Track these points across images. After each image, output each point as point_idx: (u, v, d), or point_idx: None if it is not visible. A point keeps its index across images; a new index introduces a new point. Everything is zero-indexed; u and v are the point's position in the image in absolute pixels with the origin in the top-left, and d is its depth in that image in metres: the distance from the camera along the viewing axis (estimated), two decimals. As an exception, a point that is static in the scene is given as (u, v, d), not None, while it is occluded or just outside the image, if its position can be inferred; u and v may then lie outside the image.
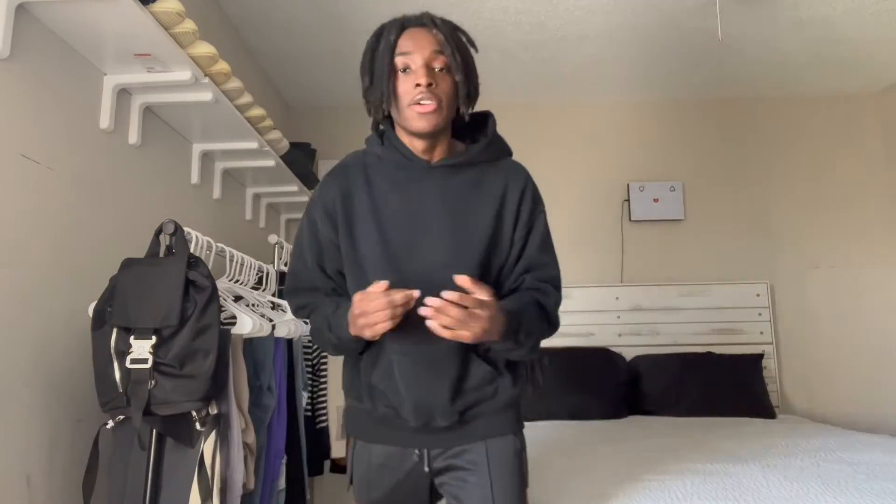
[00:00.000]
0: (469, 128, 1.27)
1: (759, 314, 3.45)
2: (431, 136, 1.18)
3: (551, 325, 1.24)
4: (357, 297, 1.08)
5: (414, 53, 1.13)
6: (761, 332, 3.43)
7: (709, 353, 3.26)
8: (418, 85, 1.12)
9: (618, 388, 3.12)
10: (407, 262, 1.17)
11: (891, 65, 3.34)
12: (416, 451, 1.23)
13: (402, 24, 1.16)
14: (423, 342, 1.14)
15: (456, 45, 1.14)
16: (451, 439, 1.22)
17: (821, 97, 3.72)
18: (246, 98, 2.12)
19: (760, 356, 3.26)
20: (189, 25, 1.68)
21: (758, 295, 3.47)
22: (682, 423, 2.79)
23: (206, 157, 2.44)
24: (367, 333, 1.07)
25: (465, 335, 1.02)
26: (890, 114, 3.60)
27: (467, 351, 1.18)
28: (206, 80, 1.86)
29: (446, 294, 1.00)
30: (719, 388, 3.06)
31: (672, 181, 3.64)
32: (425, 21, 1.16)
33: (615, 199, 3.66)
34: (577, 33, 2.97)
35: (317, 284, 1.28)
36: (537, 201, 1.27)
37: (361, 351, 1.23)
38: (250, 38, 2.97)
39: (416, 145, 1.20)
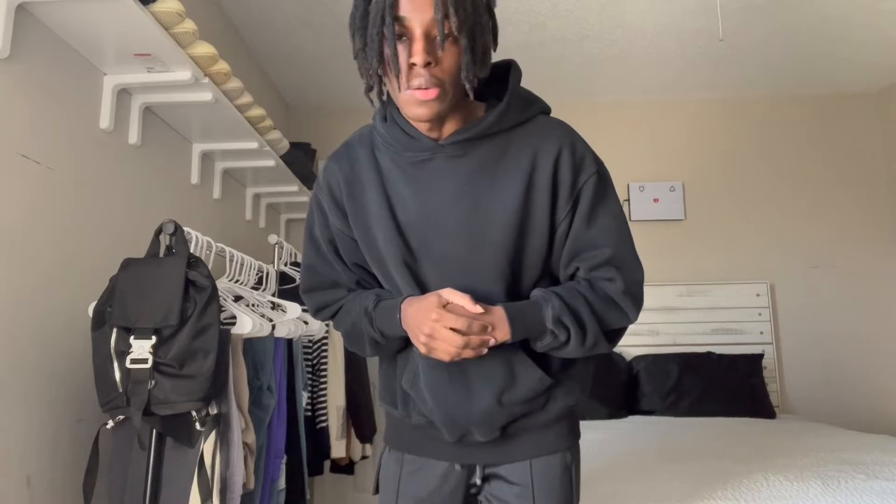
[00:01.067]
0: (495, 81, 1.03)
1: (759, 314, 3.45)
2: (436, 121, 0.96)
3: (617, 310, 1.00)
4: (434, 306, 0.93)
5: (411, 19, 0.88)
6: (761, 332, 3.43)
7: (709, 353, 3.26)
8: (414, 64, 0.88)
9: (618, 388, 3.12)
10: (424, 262, 1.01)
11: (891, 65, 3.34)
12: (458, 466, 1.08)
13: None
14: None
15: (456, 3, 0.88)
16: (492, 455, 1.07)
17: (821, 97, 3.72)
18: (246, 98, 2.12)
19: (760, 356, 3.26)
20: (189, 25, 1.68)
21: (758, 295, 3.47)
22: (682, 423, 2.79)
23: (206, 157, 2.44)
24: (423, 349, 0.95)
25: (470, 354, 0.93)
26: (890, 114, 3.60)
27: (515, 353, 1.01)
28: (206, 80, 1.86)
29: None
30: (719, 388, 3.06)
31: (672, 181, 3.64)
32: None
33: (615, 199, 3.65)
34: (577, 33, 2.97)
35: (337, 279, 1.12)
36: (581, 164, 1.00)
37: (398, 350, 1.10)
38: (250, 38, 2.97)
39: (421, 125, 0.98)
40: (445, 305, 0.93)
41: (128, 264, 1.44)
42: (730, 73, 3.41)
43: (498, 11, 2.74)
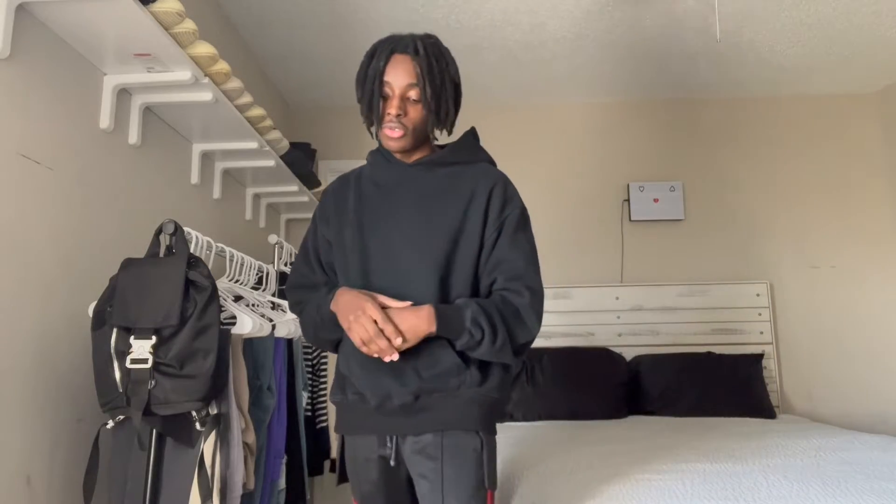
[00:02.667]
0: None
1: (759, 314, 3.45)
2: (404, 153, 1.36)
3: (522, 323, 1.25)
4: (367, 298, 1.22)
5: (393, 83, 1.27)
6: (761, 332, 3.43)
7: (709, 353, 3.26)
8: (389, 113, 1.27)
9: (618, 388, 3.12)
10: (377, 248, 1.30)
11: (891, 65, 3.34)
12: (388, 443, 1.29)
13: (391, 50, 1.28)
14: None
15: (430, 79, 1.26)
16: (408, 425, 1.27)
17: (821, 97, 3.72)
18: (246, 98, 2.12)
19: (760, 356, 3.26)
20: (189, 25, 1.68)
21: (758, 295, 3.47)
22: (682, 423, 2.79)
23: (206, 157, 2.44)
24: (344, 326, 1.23)
25: (384, 346, 1.18)
26: (890, 114, 3.60)
27: (439, 341, 1.24)
28: (206, 80, 1.86)
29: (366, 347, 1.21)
30: (719, 388, 3.06)
31: (672, 181, 3.64)
32: (409, 49, 1.27)
33: (615, 199, 3.66)
34: (577, 33, 2.97)
35: (315, 281, 1.41)
36: (508, 201, 1.33)
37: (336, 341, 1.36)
38: (250, 38, 2.97)
39: (397, 154, 1.37)
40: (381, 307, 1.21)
41: (128, 264, 1.44)
42: (729, 72, 3.41)
43: (498, 11, 2.76)
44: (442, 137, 1.46)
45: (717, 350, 3.34)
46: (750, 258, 3.57)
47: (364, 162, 1.49)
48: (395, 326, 1.18)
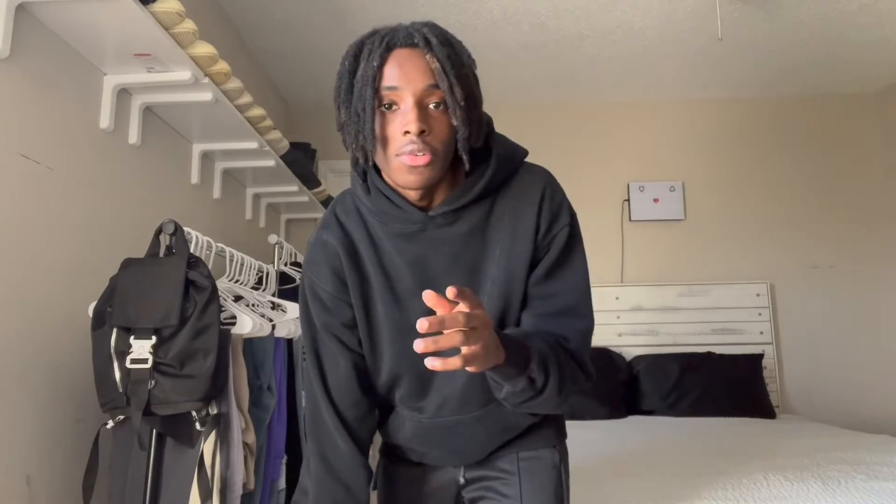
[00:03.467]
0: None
1: (759, 314, 3.45)
2: (426, 190, 0.94)
3: (583, 370, 0.98)
4: None
5: (403, 88, 0.87)
6: (761, 332, 3.43)
7: (709, 353, 3.26)
8: (406, 132, 0.87)
9: (618, 388, 3.12)
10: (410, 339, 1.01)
11: (891, 65, 3.34)
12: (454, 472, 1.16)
13: (387, 44, 0.90)
14: (444, 412, 1.06)
15: (456, 74, 0.88)
16: (484, 456, 1.13)
17: (821, 97, 3.72)
18: (246, 98, 2.12)
19: (760, 356, 3.26)
20: (189, 25, 1.68)
21: (758, 295, 3.47)
22: (682, 423, 2.79)
23: (206, 157, 2.43)
24: None
25: (466, 352, 0.75)
26: (890, 114, 3.60)
27: (498, 408, 1.04)
28: (206, 80, 1.86)
29: (421, 321, 0.71)
30: (719, 388, 3.06)
31: (672, 181, 3.64)
32: (417, 41, 0.89)
33: (615, 199, 3.66)
34: (577, 33, 2.97)
35: (357, 398, 1.08)
36: (557, 214, 1.00)
37: (381, 417, 1.16)
38: (250, 38, 2.97)
39: (410, 193, 0.95)
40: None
41: (128, 264, 1.44)
42: (729, 73, 3.41)
43: (498, 11, 2.76)
44: None
45: (717, 350, 3.34)
46: (750, 258, 3.57)
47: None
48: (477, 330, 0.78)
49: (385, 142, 0.89)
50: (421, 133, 0.86)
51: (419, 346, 0.72)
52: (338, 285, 1.03)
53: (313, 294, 1.06)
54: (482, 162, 0.99)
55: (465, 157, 0.92)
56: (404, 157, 0.87)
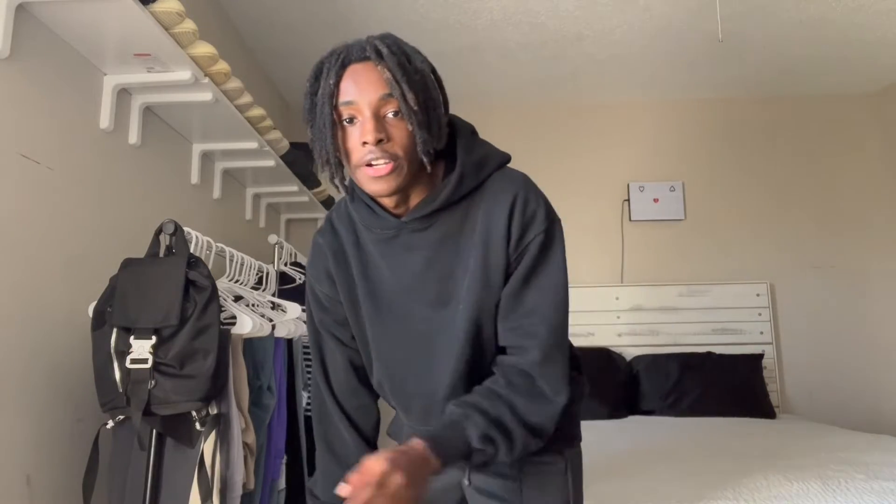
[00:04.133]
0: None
1: (759, 314, 3.45)
2: (397, 195, 0.97)
3: (543, 400, 0.96)
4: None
5: (358, 101, 0.90)
6: (761, 332, 3.43)
7: (709, 353, 3.26)
8: (365, 143, 0.90)
9: (618, 388, 3.12)
10: (400, 351, 1.05)
11: (891, 65, 3.34)
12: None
13: (342, 61, 0.92)
14: (429, 420, 1.08)
15: (408, 81, 0.90)
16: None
17: (821, 97, 3.72)
18: (246, 98, 2.12)
19: (760, 356, 3.26)
20: (189, 25, 1.68)
21: (758, 295, 3.47)
22: (682, 423, 2.79)
23: (206, 157, 2.43)
24: None
25: None
26: (890, 114, 3.60)
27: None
28: (206, 80, 1.86)
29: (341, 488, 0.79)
30: (719, 388, 3.06)
31: (672, 181, 3.64)
32: (368, 53, 0.92)
33: (615, 199, 3.66)
34: (577, 33, 2.97)
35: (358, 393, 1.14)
36: (529, 222, 0.98)
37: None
38: (250, 38, 2.97)
39: (385, 201, 0.99)
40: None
41: (128, 264, 1.44)
42: (729, 73, 3.41)
43: (498, 11, 2.76)
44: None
45: (717, 350, 3.34)
46: (750, 258, 3.57)
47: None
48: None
49: (348, 155, 0.93)
50: (379, 142, 0.90)
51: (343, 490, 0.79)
52: (331, 285, 1.10)
53: (312, 293, 1.14)
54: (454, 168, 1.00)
55: (426, 161, 0.94)
56: (366, 168, 0.92)
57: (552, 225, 1.00)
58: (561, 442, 1.07)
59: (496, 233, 0.98)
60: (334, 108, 0.92)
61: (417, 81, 0.92)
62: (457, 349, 1.00)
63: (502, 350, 1.03)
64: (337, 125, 0.93)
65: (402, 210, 1.01)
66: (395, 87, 0.90)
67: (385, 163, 0.90)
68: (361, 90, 0.91)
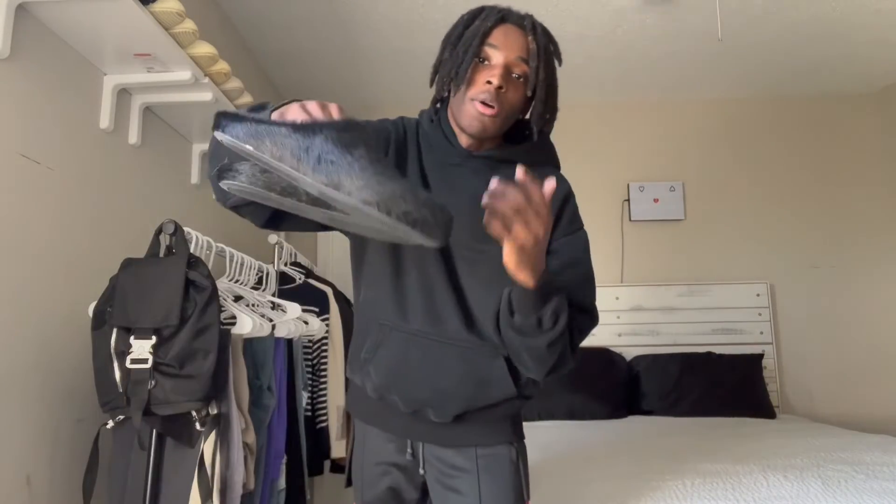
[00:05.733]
0: (523, 134, 1.20)
1: (759, 314, 3.45)
2: (479, 138, 1.11)
3: (573, 350, 1.05)
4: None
5: (500, 49, 1.05)
6: (761, 332, 3.43)
7: (709, 353, 3.26)
8: (489, 83, 1.04)
9: (618, 388, 3.12)
10: (434, 266, 1.10)
11: (891, 65, 3.34)
12: (409, 451, 1.16)
13: (502, 16, 1.08)
14: (441, 324, 1.08)
15: (545, 60, 1.07)
16: (439, 437, 1.15)
17: (821, 97, 3.72)
18: (246, 98, 2.12)
19: (760, 356, 3.26)
20: (189, 25, 1.68)
21: (758, 295, 3.47)
22: (682, 423, 2.79)
23: (207, 158, 2.43)
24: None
25: (522, 236, 0.85)
26: (889, 114, 3.60)
27: (496, 359, 1.09)
28: (206, 79, 1.86)
29: (502, 184, 0.84)
30: (719, 388, 3.06)
31: (672, 181, 3.64)
32: (525, 23, 1.08)
33: (615, 199, 3.66)
34: (577, 33, 2.97)
35: None
36: (576, 218, 1.17)
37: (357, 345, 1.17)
38: (250, 38, 2.97)
39: (463, 138, 1.13)
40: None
41: (128, 264, 1.44)
42: (729, 73, 3.41)
43: (498, 11, 2.76)
44: None
45: (717, 350, 3.34)
46: (750, 258, 3.57)
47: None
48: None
49: (469, 84, 1.06)
50: (499, 88, 1.04)
51: (485, 197, 0.83)
52: (382, 142, 1.14)
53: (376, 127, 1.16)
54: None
55: (535, 129, 1.11)
56: (477, 104, 1.05)
57: (584, 231, 1.19)
58: (512, 432, 1.17)
59: (551, 204, 1.05)
60: (481, 44, 1.05)
61: (550, 66, 1.09)
62: (497, 279, 1.01)
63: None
64: (475, 58, 1.05)
65: (471, 149, 1.14)
66: (534, 57, 1.05)
67: (494, 107, 1.04)
68: (508, 44, 1.05)
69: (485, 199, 0.83)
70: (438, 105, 1.17)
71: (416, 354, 1.09)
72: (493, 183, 0.83)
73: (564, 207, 1.14)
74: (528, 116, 1.15)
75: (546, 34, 1.09)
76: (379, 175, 0.74)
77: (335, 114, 0.79)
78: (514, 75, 1.06)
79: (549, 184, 0.86)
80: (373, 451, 1.20)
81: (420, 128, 1.18)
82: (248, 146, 0.71)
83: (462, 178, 1.12)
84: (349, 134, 0.74)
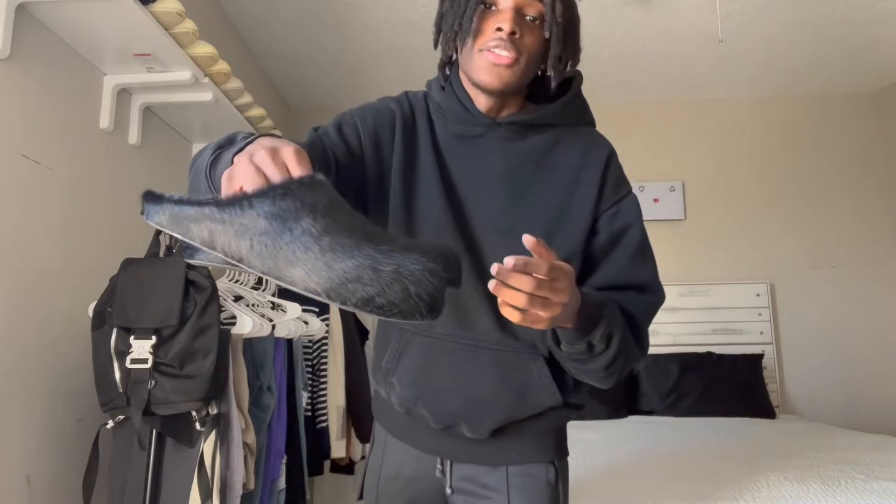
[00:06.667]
0: (548, 92, 1.01)
1: (759, 314, 3.45)
2: (499, 95, 0.95)
3: (640, 348, 0.94)
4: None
5: None
6: (761, 332, 3.43)
7: (709, 354, 3.26)
8: (499, 29, 0.88)
9: (618, 388, 3.12)
10: (453, 230, 0.95)
11: (890, 65, 3.34)
12: (438, 465, 1.03)
13: None
14: (469, 323, 0.95)
15: None
16: (477, 454, 1.00)
17: (821, 97, 3.72)
18: (246, 98, 2.12)
19: (760, 356, 3.26)
20: (189, 25, 1.68)
21: (758, 295, 3.47)
22: (682, 424, 2.79)
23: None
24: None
25: (543, 316, 0.71)
26: (890, 114, 3.60)
27: (536, 360, 0.96)
28: (206, 80, 1.86)
29: (508, 259, 0.68)
30: (719, 388, 3.06)
31: (672, 181, 3.64)
32: None
33: (615, 199, 3.65)
34: (577, 33, 2.97)
35: (315, 141, 0.94)
36: (623, 180, 1.02)
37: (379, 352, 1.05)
38: (250, 38, 2.97)
39: (480, 100, 0.97)
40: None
41: (128, 264, 1.44)
42: (729, 73, 3.41)
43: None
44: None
45: (717, 350, 3.34)
46: (750, 258, 3.57)
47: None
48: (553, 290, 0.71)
49: (476, 34, 0.90)
50: (511, 34, 0.88)
51: (492, 285, 0.69)
52: (388, 137, 0.98)
53: (349, 117, 1.00)
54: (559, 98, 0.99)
55: (553, 76, 0.93)
56: (488, 54, 0.89)
57: (633, 192, 1.04)
58: (553, 449, 1.03)
59: (590, 172, 0.98)
60: None
61: (570, 3, 0.92)
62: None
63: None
64: (479, 4, 0.90)
65: (492, 114, 0.98)
66: None
67: (509, 54, 0.88)
68: None
69: (491, 285, 0.69)
70: (448, 70, 1.00)
71: (444, 361, 0.96)
72: (495, 268, 0.68)
73: (607, 172, 0.99)
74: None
75: None
76: (328, 253, 0.58)
77: (290, 163, 0.62)
78: (527, 17, 0.90)
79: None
80: (393, 463, 1.07)
81: (429, 99, 1.03)
82: (174, 233, 0.60)
83: (485, 151, 0.97)
84: (290, 200, 0.58)
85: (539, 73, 0.98)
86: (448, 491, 1.02)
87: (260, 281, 2.27)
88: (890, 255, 3.54)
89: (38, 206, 1.48)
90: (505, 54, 0.88)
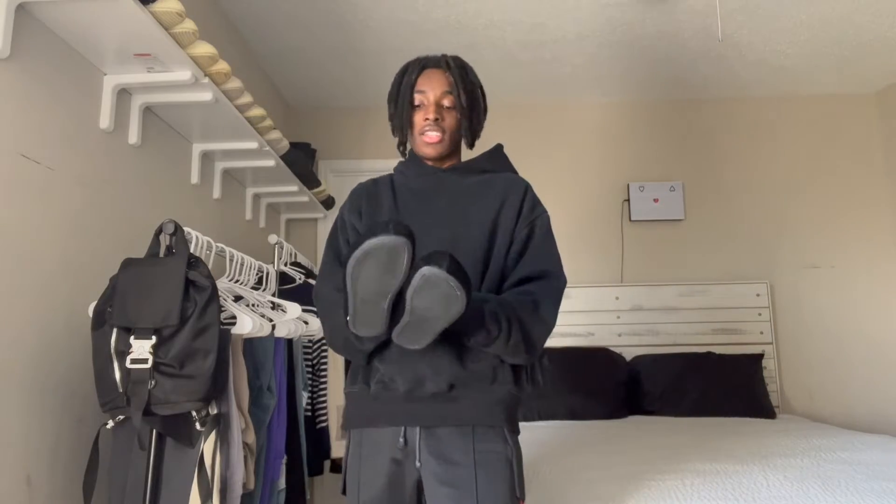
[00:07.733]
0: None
1: (759, 314, 3.45)
2: (438, 160, 1.39)
3: (538, 318, 1.22)
4: None
5: (427, 92, 1.34)
6: (761, 332, 3.43)
7: (709, 353, 3.26)
8: (427, 119, 1.33)
9: (618, 388, 3.12)
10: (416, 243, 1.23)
11: (891, 65, 3.35)
12: (402, 438, 1.23)
13: (422, 65, 1.37)
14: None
15: (464, 87, 1.35)
16: (437, 414, 1.22)
17: (821, 97, 3.72)
18: (246, 98, 2.12)
19: (760, 356, 3.26)
20: (189, 25, 1.68)
21: (758, 295, 3.47)
22: (682, 423, 2.79)
23: (206, 157, 2.43)
24: None
25: None
26: (890, 114, 3.60)
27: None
28: (206, 80, 1.86)
29: None
30: (719, 388, 3.06)
31: (672, 181, 3.64)
32: (441, 63, 1.37)
33: (615, 199, 3.66)
34: (577, 33, 2.97)
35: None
36: (537, 205, 1.37)
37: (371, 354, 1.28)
38: (250, 38, 2.97)
39: (428, 161, 1.40)
40: None
41: (128, 264, 1.44)
42: (729, 73, 3.41)
43: (498, 11, 2.76)
44: (464, 153, 1.48)
45: (717, 350, 3.34)
46: (750, 258, 3.57)
47: (383, 168, 1.44)
48: None
49: (413, 126, 1.37)
50: (435, 120, 1.34)
51: None
52: (359, 219, 1.38)
53: (342, 226, 1.39)
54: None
55: (465, 139, 1.40)
56: (423, 136, 1.35)
57: (547, 213, 1.39)
58: (507, 423, 1.25)
59: (512, 200, 1.35)
60: (412, 93, 1.35)
61: (469, 90, 1.37)
62: (472, 255, 1.28)
63: (501, 282, 1.30)
64: (411, 106, 1.36)
65: (438, 167, 1.40)
66: (454, 88, 1.35)
67: (436, 134, 1.33)
68: (432, 85, 1.35)
69: None
70: (405, 148, 1.44)
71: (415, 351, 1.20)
72: None
73: (524, 201, 1.35)
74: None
75: (459, 65, 1.38)
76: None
77: None
78: (445, 106, 1.35)
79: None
80: (369, 453, 1.26)
81: (394, 173, 1.44)
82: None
83: (438, 192, 1.36)
84: None
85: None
86: (417, 464, 1.23)
87: (260, 281, 2.27)
88: (890, 255, 3.54)
89: (38, 206, 1.48)
90: (434, 134, 1.34)
